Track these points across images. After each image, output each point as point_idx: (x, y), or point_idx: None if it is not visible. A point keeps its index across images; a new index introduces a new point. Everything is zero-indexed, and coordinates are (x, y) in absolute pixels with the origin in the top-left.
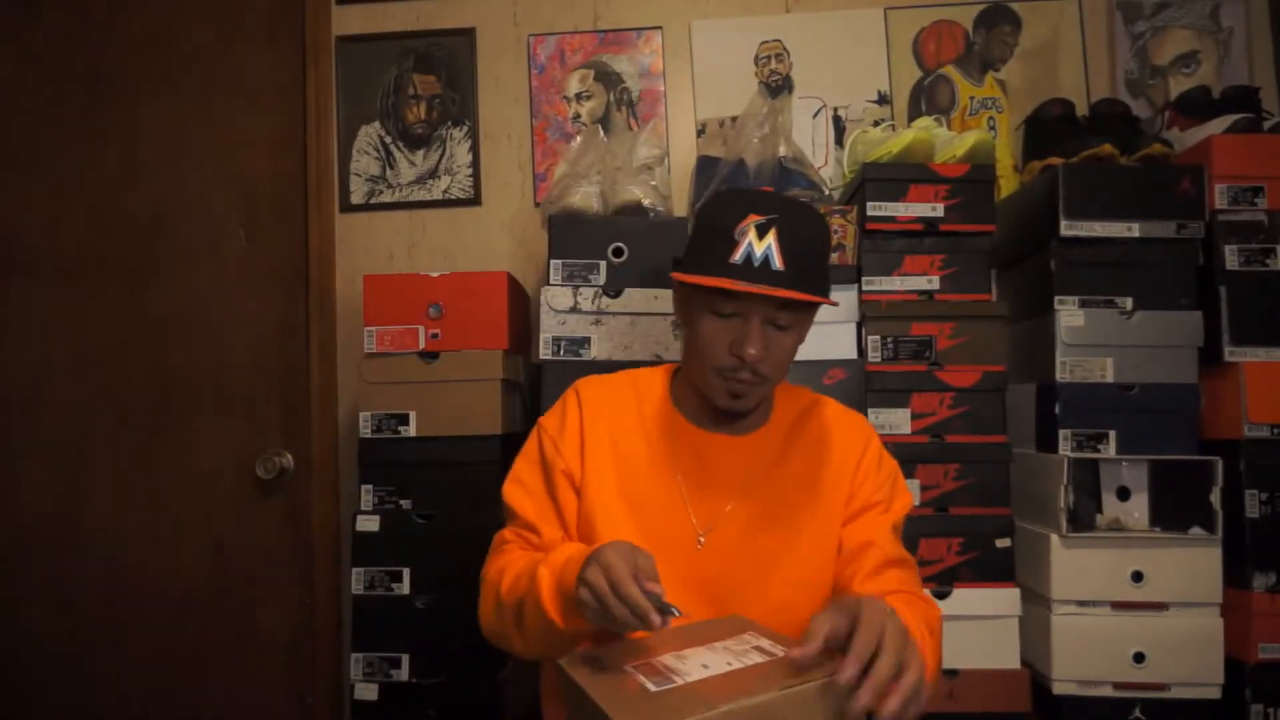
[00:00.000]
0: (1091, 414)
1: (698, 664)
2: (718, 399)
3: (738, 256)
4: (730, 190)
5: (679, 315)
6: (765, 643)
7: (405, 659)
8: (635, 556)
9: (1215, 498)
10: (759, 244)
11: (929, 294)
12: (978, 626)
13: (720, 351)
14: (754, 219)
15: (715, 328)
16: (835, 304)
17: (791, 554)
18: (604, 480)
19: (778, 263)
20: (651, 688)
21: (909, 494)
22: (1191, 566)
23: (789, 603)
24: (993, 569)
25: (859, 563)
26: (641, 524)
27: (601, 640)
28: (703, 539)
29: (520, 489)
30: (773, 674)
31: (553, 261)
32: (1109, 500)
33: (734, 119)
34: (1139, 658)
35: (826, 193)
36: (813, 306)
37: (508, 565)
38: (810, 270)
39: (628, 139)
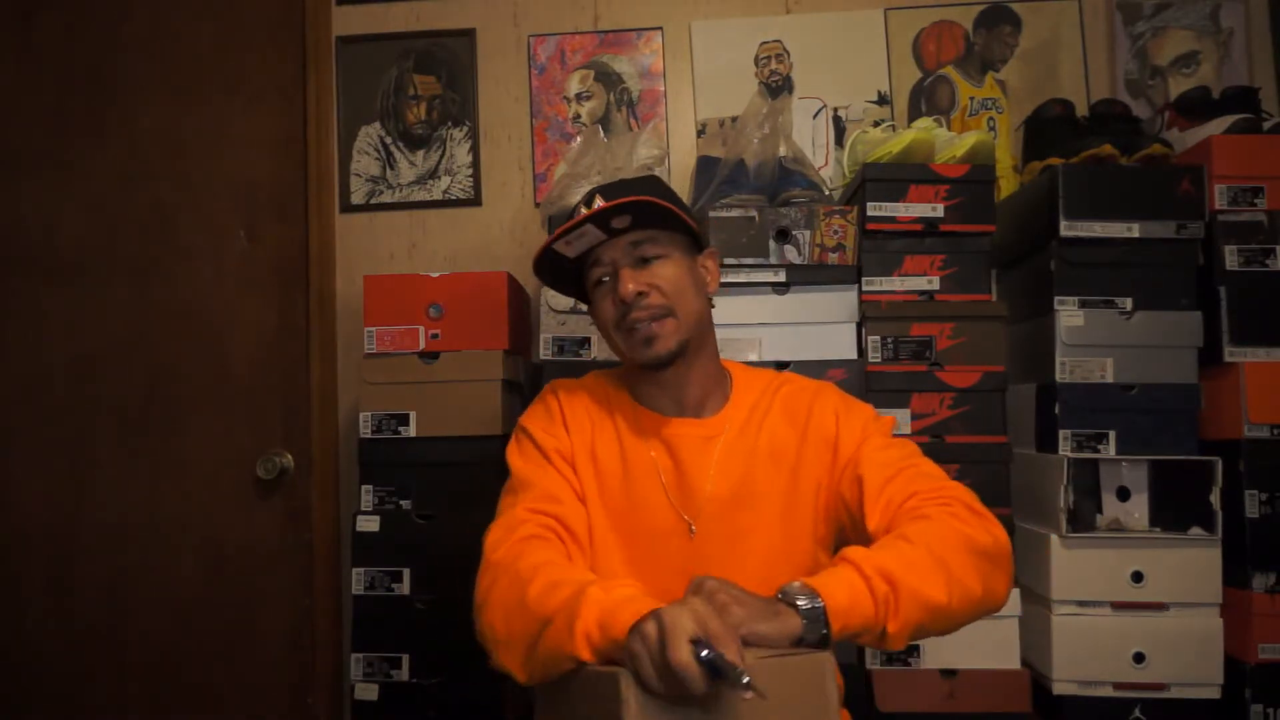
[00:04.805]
0: (1091, 414)
1: None
2: (638, 353)
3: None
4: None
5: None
6: None
7: (405, 659)
8: (708, 622)
9: (1215, 498)
10: (589, 210)
11: (929, 294)
12: (978, 626)
13: (611, 309)
14: (583, 202)
15: (600, 295)
16: (672, 209)
17: (763, 527)
18: (587, 487)
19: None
20: None
21: (888, 417)
22: (1191, 566)
23: (765, 577)
24: None
25: (863, 503)
26: (625, 527)
27: None
28: (694, 528)
29: (526, 463)
30: None
31: None
32: (1109, 500)
33: (734, 119)
34: (1139, 658)
35: (826, 193)
36: (679, 228)
37: (542, 565)
38: (637, 192)
39: (628, 139)
